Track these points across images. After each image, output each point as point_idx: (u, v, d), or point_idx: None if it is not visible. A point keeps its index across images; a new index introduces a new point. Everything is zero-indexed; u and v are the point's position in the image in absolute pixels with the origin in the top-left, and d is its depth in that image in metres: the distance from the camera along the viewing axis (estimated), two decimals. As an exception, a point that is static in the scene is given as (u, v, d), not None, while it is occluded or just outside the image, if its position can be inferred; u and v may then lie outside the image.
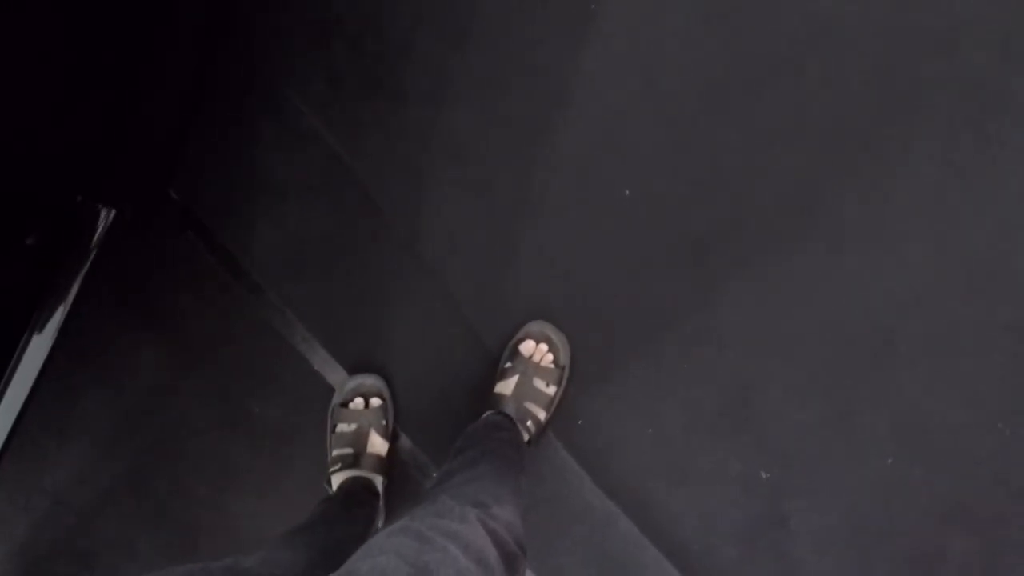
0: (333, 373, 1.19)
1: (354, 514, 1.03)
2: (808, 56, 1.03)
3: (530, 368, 1.09)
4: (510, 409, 1.07)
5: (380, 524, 1.12)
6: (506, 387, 1.10)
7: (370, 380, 1.15)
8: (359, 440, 1.12)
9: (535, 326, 1.11)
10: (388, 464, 1.15)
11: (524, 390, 1.09)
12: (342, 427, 1.14)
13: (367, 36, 1.12)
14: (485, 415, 1.08)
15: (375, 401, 1.14)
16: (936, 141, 1.02)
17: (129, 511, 1.25)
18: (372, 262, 1.17)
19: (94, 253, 0.98)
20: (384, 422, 1.14)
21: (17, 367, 0.97)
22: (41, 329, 0.97)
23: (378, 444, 1.13)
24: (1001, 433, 1.07)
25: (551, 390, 1.10)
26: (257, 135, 1.16)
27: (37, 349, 0.97)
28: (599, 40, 1.07)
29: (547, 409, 1.10)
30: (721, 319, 1.10)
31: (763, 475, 1.12)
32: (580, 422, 1.14)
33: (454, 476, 0.87)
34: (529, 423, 1.08)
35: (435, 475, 0.85)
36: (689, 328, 1.11)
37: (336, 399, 1.16)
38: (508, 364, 1.11)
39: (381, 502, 1.12)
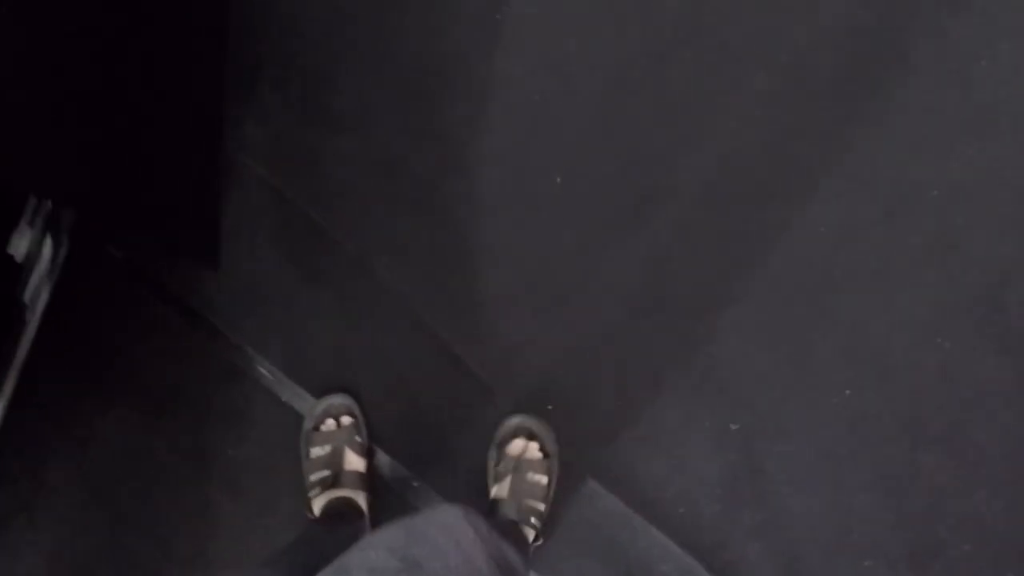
0: (302, 402, 1.19)
1: (339, 532, 1.02)
2: (702, 26, 1.12)
3: (522, 465, 1.11)
4: (511, 511, 1.08)
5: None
6: (502, 490, 1.10)
7: (338, 399, 1.16)
8: (335, 460, 1.12)
9: (514, 422, 1.13)
10: (369, 480, 1.15)
11: (520, 488, 1.10)
12: (316, 451, 1.14)
13: (290, 74, 1.17)
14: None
15: (346, 419, 1.15)
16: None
17: (112, 581, 1.21)
18: (325, 286, 1.19)
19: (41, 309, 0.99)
20: (358, 439, 1.15)
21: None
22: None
23: (355, 461, 1.13)
24: (941, 347, 1.13)
25: (545, 480, 1.12)
26: (194, 179, 1.18)
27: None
28: (510, 43, 1.14)
29: (545, 500, 1.11)
30: (668, 281, 1.15)
31: (732, 427, 1.15)
32: (550, 406, 1.17)
33: None
34: (533, 519, 1.09)
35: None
36: (639, 294, 1.15)
37: (307, 424, 1.16)
38: (498, 468, 1.12)
39: (367, 520, 1.11)
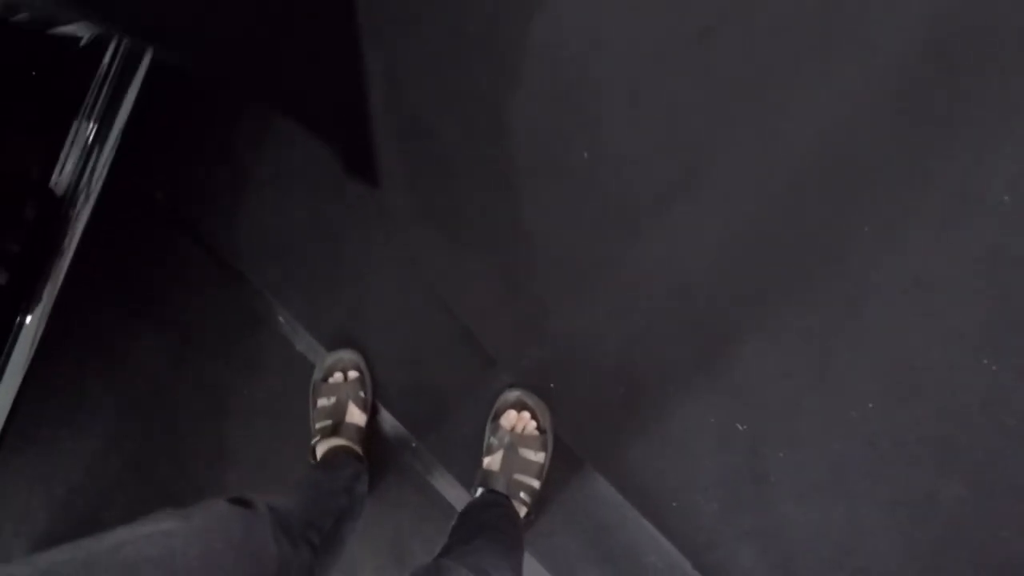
0: (315, 353, 1.23)
1: (337, 473, 1.06)
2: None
3: (514, 439, 1.10)
4: (500, 484, 1.08)
5: (366, 488, 1.15)
6: (493, 462, 1.11)
7: (347, 354, 1.19)
8: (338, 411, 1.16)
9: (511, 395, 1.12)
10: (368, 434, 1.18)
11: (512, 462, 1.10)
12: (322, 401, 1.18)
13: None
14: (478, 493, 1.09)
15: (352, 374, 1.18)
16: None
17: (136, 496, 1.31)
18: (348, 246, 1.21)
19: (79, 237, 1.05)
20: (362, 394, 1.18)
21: (12, 351, 1.04)
22: (31, 316, 1.04)
23: (356, 415, 1.17)
24: (987, 369, 1.03)
25: (539, 457, 1.11)
26: (231, 135, 1.22)
27: (28, 335, 1.04)
28: (546, 11, 1.09)
29: (539, 477, 1.11)
30: (689, 271, 1.09)
31: (740, 427, 1.10)
32: (552, 385, 1.15)
33: (452, 551, 0.90)
34: (523, 495, 1.09)
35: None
36: (657, 283, 1.11)
37: (316, 375, 1.20)
38: (492, 439, 1.12)
39: (366, 464, 1.15)
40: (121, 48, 1.01)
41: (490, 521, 1.01)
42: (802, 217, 1.06)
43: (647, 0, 1.07)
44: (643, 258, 1.11)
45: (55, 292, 1.08)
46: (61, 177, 1.07)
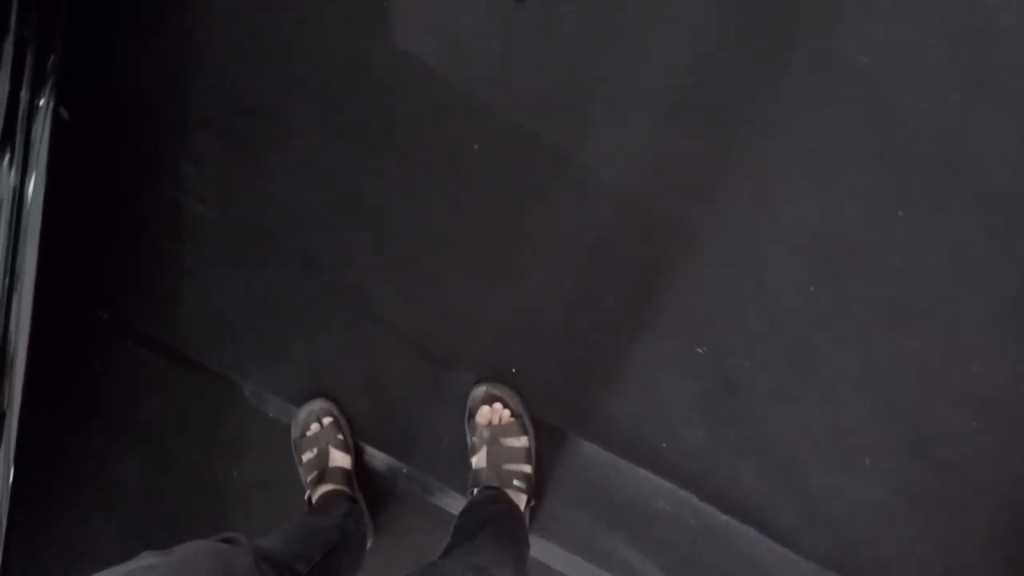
0: (287, 414, 1.26)
1: (327, 512, 1.08)
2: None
3: (494, 431, 1.13)
4: (491, 479, 1.10)
5: (368, 530, 1.16)
6: (480, 460, 1.13)
7: (317, 404, 1.22)
8: (322, 459, 1.18)
9: (478, 392, 1.14)
10: (354, 474, 1.19)
11: (497, 455, 1.11)
12: (307, 455, 1.20)
13: (214, 110, 1.24)
14: (474, 493, 1.11)
15: (327, 420, 1.20)
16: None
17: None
18: (285, 303, 1.25)
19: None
20: (340, 436, 1.20)
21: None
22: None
23: (339, 457, 1.18)
24: (901, 220, 1.06)
25: (523, 442, 1.13)
26: (150, 236, 1.28)
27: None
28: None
29: (528, 461, 1.13)
30: (599, 220, 1.13)
31: (698, 350, 1.12)
32: (513, 370, 1.17)
33: (454, 550, 0.92)
34: (516, 482, 1.10)
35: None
36: (577, 243, 1.14)
37: (295, 433, 1.22)
38: (473, 438, 1.14)
39: (361, 504, 1.16)
40: (10, 190, 1.06)
41: (489, 517, 1.02)
42: (694, 132, 1.10)
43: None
44: (554, 227, 1.15)
45: (11, 445, 1.10)
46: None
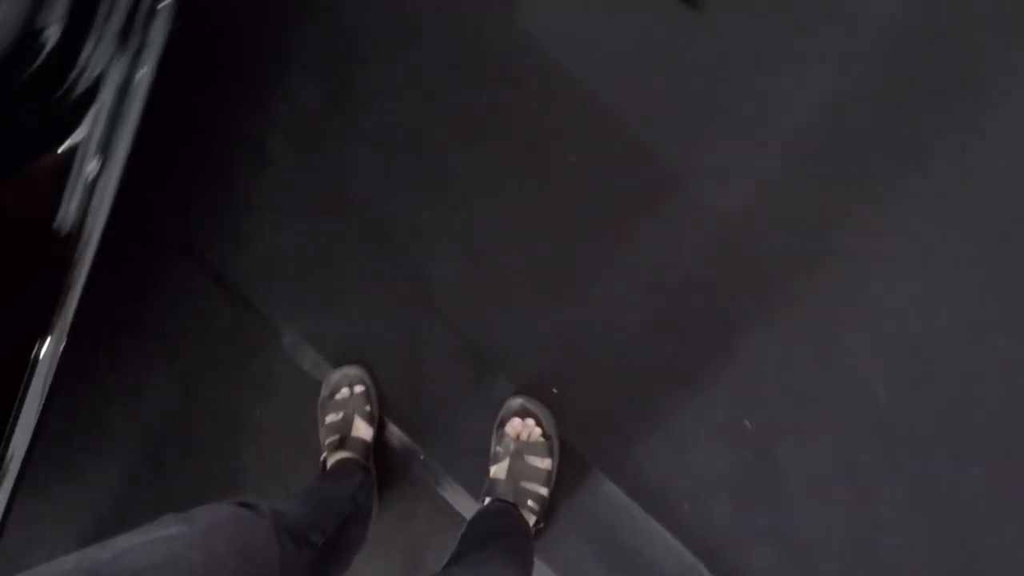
0: (321, 371, 1.25)
1: (342, 482, 1.07)
2: None
3: (520, 446, 1.10)
4: (508, 493, 1.08)
5: (375, 501, 1.15)
6: (500, 471, 1.10)
7: (353, 370, 1.20)
8: (345, 426, 1.17)
9: (514, 403, 1.12)
10: (373, 447, 1.19)
11: (518, 470, 1.09)
12: (330, 417, 1.20)
13: (319, 57, 1.21)
14: (486, 503, 1.09)
15: (358, 388, 1.19)
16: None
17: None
18: (346, 263, 1.23)
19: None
20: (368, 408, 1.19)
21: (30, 384, 1.08)
22: (44, 351, 1.08)
23: (362, 428, 1.17)
24: (998, 346, 0.99)
25: (546, 464, 1.10)
26: (230, 166, 1.26)
27: (43, 369, 1.08)
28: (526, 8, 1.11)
29: (546, 484, 1.10)
30: (686, 267, 1.09)
31: (748, 424, 1.08)
32: (555, 390, 1.15)
33: (462, 558, 0.90)
34: (531, 502, 1.08)
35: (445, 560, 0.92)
36: (654, 280, 1.10)
37: (323, 392, 1.22)
38: (498, 447, 1.12)
39: (373, 476, 1.16)
40: (119, 79, 1.05)
41: (499, 530, 1.00)
42: (795, 202, 1.05)
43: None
44: (637, 256, 1.11)
45: (66, 328, 1.11)
46: (66, 216, 1.10)
